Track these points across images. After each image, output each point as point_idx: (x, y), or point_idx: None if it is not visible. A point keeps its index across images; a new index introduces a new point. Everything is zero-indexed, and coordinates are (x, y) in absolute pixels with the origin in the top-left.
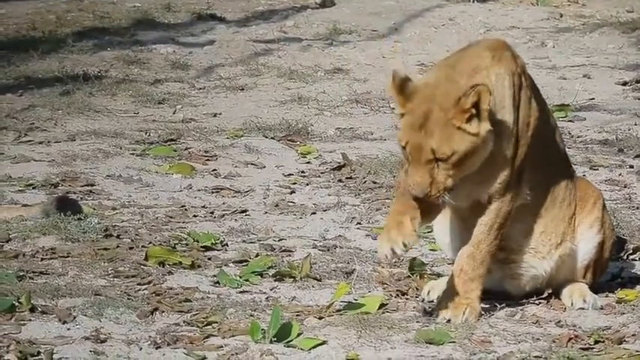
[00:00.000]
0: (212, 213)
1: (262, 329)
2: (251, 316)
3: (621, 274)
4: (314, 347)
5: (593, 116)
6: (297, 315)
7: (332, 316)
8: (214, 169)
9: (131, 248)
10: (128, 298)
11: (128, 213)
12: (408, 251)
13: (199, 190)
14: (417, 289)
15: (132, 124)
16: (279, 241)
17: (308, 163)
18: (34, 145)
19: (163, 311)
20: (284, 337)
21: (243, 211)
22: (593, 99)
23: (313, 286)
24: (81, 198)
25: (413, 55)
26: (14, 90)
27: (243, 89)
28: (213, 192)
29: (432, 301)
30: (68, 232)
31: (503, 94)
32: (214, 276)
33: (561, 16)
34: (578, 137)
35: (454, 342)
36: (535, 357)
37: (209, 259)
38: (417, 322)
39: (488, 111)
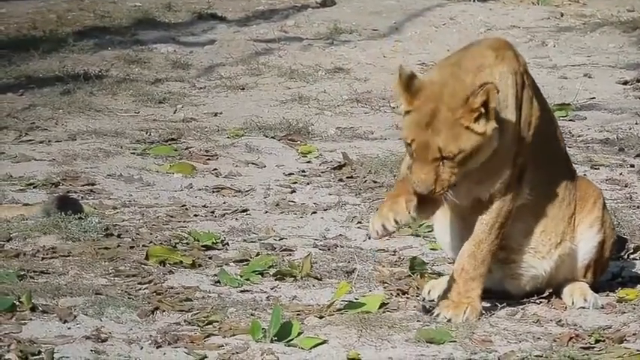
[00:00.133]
0: (213, 212)
1: (263, 328)
2: (252, 315)
3: (622, 273)
4: (315, 346)
5: (593, 115)
6: (297, 314)
7: (332, 315)
8: (215, 169)
9: (132, 247)
10: (129, 298)
11: (129, 212)
12: (400, 229)
13: (200, 190)
14: (417, 288)
15: (132, 123)
16: (279, 240)
17: (308, 162)
18: (34, 145)
19: (164, 310)
20: (285, 336)
21: (243, 211)
22: (594, 98)
23: (314, 286)
24: (81, 197)
25: (414, 55)
26: (15, 89)
27: (243, 89)
28: (213, 191)
29: (433, 301)
30: (69, 232)
31: (507, 94)
32: (215, 275)
33: (562, 15)
34: (578, 136)
35: (455, 341)
36: (536, 356)
37: (210, 258)
38: (418, 321)
39: (495, 110)
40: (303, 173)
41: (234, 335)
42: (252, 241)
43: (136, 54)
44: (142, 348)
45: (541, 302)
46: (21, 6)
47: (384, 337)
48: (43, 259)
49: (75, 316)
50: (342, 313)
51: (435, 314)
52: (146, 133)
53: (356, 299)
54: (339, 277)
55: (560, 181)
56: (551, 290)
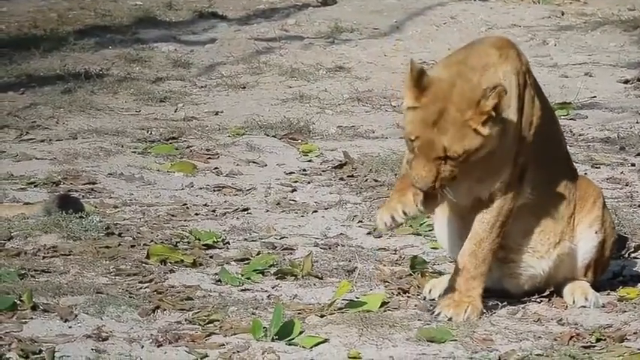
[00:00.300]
0: (214, 211)
1: (264, 327)
2: (253, 314)
3: (623, 272)
4: (316, 345)
5: (594, 114)
6: (298, 313)
7: (333, 314)
8: (216, 168)
9: (133, 246)
10: (130, 296)
11: (130, 211)
12: (408, 221)
13: (201, 189)
14: (418, 287)
15: (133, 122)
16: (280, 239)
17: (309, 161)
18: (35, 144)
19: (165, 309)
20: (286, 335)
21: (244, 210)
22: (595, 97)
23: (315, 285)
24: (82, 196)
25: (414, 53)
26: (16, 88)
27: (244, 87)
28: (214, 190)
29: (434, 299)
30: (70, 230)
31: (510, 94)
32: (216, 274)
33: (563, 14)
34: (579, 135)
35: (456, 340)
36: (537, 355)
37: (211, 257)
38: (419, 320)
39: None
40: (304, 172)
41: (235, 334)
42: (253, 240)
43: (137, 53)
44: (142, 347)
45: (542, 301)
46: (22, 5)
47: (385, 336)
48: (44, 257)
49: (76, 315)
50: (343, 312)
51: (435, 313)
52: (147, 131)
53: (357, 298)
54: (340, 276)
55: (560, 180)
56: (551, 289)
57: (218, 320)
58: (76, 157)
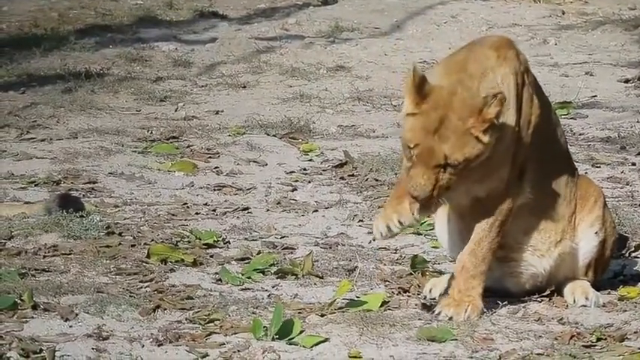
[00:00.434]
0: (214, 210)
1: (264, 327)
2: (253, 313)
3: (623, 271)
4: (316, 344)
5: (595, 114)
6: (299, 312)
7: (334, 313)
8: (216, 167)
9: (133, 246)
10: (130, 296)
11: (130, 210)
12: (404, 230)
13: (201, 188)
14: (419, 286)
15: (134, 121)
16: (281, 238)
17: (310, 160)
18: (36, 143)
19: (165, 309)
20: (286, 334)
21: (245, 209)
22: (596, 96)
23: (315, 284)
24: (83, 195)
25: (415, 53)
26: (16, 87)
27: (245, 87)
28: (215, 189)
29: (434, 299)
30: (70, 230)
31: (509, 96)
32: (216, 273)
33: (563, 13)
34: (580, 135)
35: (456, 339)
36: (537, 354)
37: (211, 256)
38: (419, 319)
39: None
40: (305, 171)
41: (235, 333)
42: (253, 240)
43: (138, 52)
44: (143, 346)
45: (542, 300)
46: (23, 4)
47: (386, 335)
48: (44, 257)
49: (76, 315)
50: (343, 312)
51: (436, 312)
52: (147, 131)
53: (357, 297)
54: (340, 276)
55: (561, 179)
56: (552, 288)
57: (218, 319)
58: (76, 156)
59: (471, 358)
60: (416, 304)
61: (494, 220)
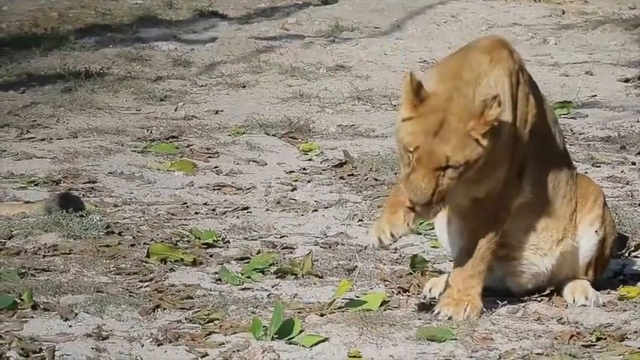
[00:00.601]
0: (214, 210)
1: (264, 326)
2: (253, 313)
3: (623, 271)
4: (316, 344)
5: (595, 113)
6: (298, 312)
7: (333, 313)
8: (216, 167)
9: (133, 245)
10: (130, 295)
11: (130, 210)
12: (397, 241)
13: (201, 188)
14: (418, 286)
15: (134, 121)
16: (280, 238)
17: (309, 160)
18: (36, 142)
19: (165, 308)
20: (286, 334)
21: (244, 209)
22: (596, 96)
23: (315, 284)
24: (83, 195)
25: (415, 52)
26: (16, 87)
27: (244, 86)
28: (214, 189)
29: (434, 298)
30: (70, 229)
31: (504, 97)
32: (216, 273)
33: (563, 12)
34: (580, 134)
35: (456, 339)
36: (537, 354)
37: (211, 256)
38: (419, 319)
39: None
40: (304, 171)
41: (235, 333)
42: (253, 239)
43: (138, 52)
44: (142, 346)
45: (542, 300)
46: (22, 3)
47: (385, 335)
48: (44, 256)
49: (76, 314)
50: (343, 311)
51: (435, 312)
52: (147, 130)
53: (357, 297)
54: (340, 275)
55: (560, 177)
56: (552, 288)
57: (218, 319)
58: (76, 155)
59: (471, 357)
60: (415, 304)
61: (493, 220)
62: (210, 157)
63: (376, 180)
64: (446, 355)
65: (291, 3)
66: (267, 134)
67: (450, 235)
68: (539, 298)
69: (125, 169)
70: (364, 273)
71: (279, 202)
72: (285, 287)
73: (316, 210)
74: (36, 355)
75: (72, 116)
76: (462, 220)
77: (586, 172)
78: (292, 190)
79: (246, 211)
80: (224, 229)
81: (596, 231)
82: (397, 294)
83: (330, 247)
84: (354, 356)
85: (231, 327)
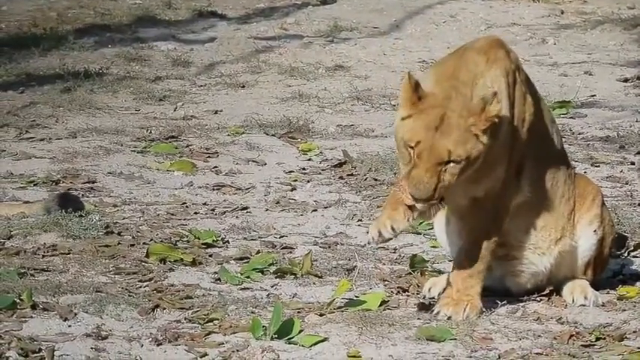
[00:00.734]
0: (213, 210)
1: (263, 326)
2: (252, 313)
3: (622, 270)
4: (315, 344)
5: (594, 113)
6: (298, 312)
7: (333, 313)
8: (215, 167)
9: (132, 245)
10: (129, 295)
11: (129, 210)
12: (397, 236)
13: (200, 187)
14: (418, 286)
15: (133, 121)
16: (280, 238)
17: (309, 160)
18: (35, 142)
19: (164, 308)
20: (285, 334)
21: (244, 209)
22: (595, 96)
23: (314, 283)
24: (82, 195)
25: (414, 52)
26: (15, 87)
27: (244, 86)
28: (214, 189)
29: (433, 298)
30: (69, 229)
31: (501, 97)
32: (215, 273)
33: (562, 12)
34: (579, 134)
35: (455, 339)
36: (536, 354)
37: (210, 256)
38: (418, 319)
39: None
40: (304, 171)
41: (234, 333)
42: (252, 239)
43: (137, 52)
44: (142, 346)
45: (541, 300)
46: (22, 4)
47: (385, 334)
48: (43, 256)
49: (75, 314)
50: (342, 311)
51: (435, 312)
52: (146, 130)
53: (356, 297)
54: (339, 275)
55: (559, 176)
56: (551, 288)
57: (217, 319)
58: (75, 155)
59: (470, 357)
60: (415, 304)
61: (492, 220)
62: (209, 157)
63: (375, 180)
64: (445, 355)
65: (290, 3)
66: (267, 134)
67: (449, 235)
68: (538, 298)
69: (124, 169)
70: (363, 273)
71: (278, 202)
72: (284, 287)
73: (315, 210)
74: (35, 355)
75: (71, 116)
76: (461, 220)
77: (585, 172)
78: (292, 190)
79: (245, 211)
80: (223, 229)
81: (594, 230)
82: (396, 294)
83: (329, 247)
84: (354, 356)
85: (231, 327)
